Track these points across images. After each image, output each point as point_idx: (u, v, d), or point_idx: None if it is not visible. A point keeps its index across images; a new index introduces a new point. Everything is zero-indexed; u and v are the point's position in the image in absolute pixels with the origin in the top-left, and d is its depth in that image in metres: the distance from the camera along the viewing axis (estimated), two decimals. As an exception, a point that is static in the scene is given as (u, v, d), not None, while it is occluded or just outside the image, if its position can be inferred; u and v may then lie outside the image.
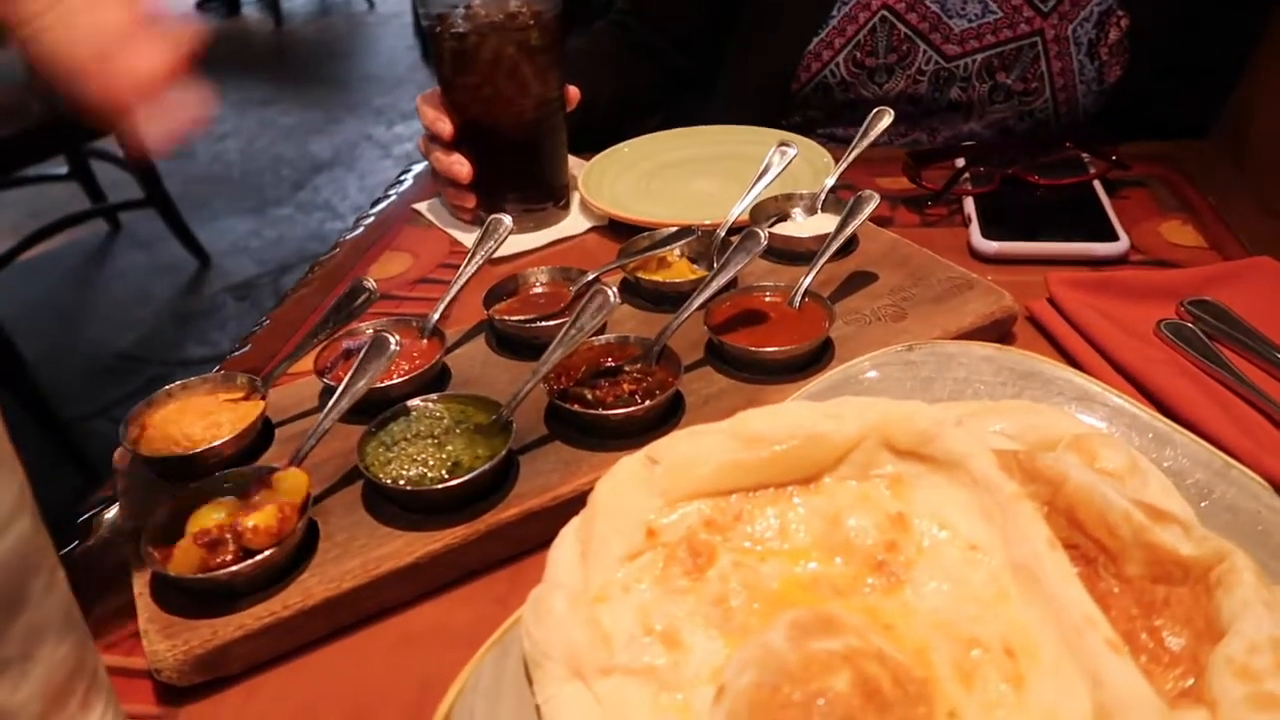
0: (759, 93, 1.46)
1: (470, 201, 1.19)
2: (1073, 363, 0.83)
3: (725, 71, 1.53)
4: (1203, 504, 0.64)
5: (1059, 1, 1.31)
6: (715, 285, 0.81)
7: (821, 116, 1.45)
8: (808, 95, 1.43)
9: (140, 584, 0.64)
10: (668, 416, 0.76)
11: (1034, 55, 1.34)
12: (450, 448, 0.71)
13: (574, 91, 1.19)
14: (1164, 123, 1.33)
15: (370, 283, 0.83)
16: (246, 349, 1.01)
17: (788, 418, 0.62)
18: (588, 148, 1.32)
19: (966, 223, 1.09)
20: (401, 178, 1.43)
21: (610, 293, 0.73)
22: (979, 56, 1.34)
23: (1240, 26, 1.36)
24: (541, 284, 0.94)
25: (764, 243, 0.81)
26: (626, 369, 0.77)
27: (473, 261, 0.89)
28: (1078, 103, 1.38)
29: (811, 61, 1.39)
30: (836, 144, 1.27)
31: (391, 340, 0.71)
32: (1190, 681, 0.50)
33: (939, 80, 1.37)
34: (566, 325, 0.73)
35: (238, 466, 0.71)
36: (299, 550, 0.65)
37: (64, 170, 4.02)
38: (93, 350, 3.43)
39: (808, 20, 1.38)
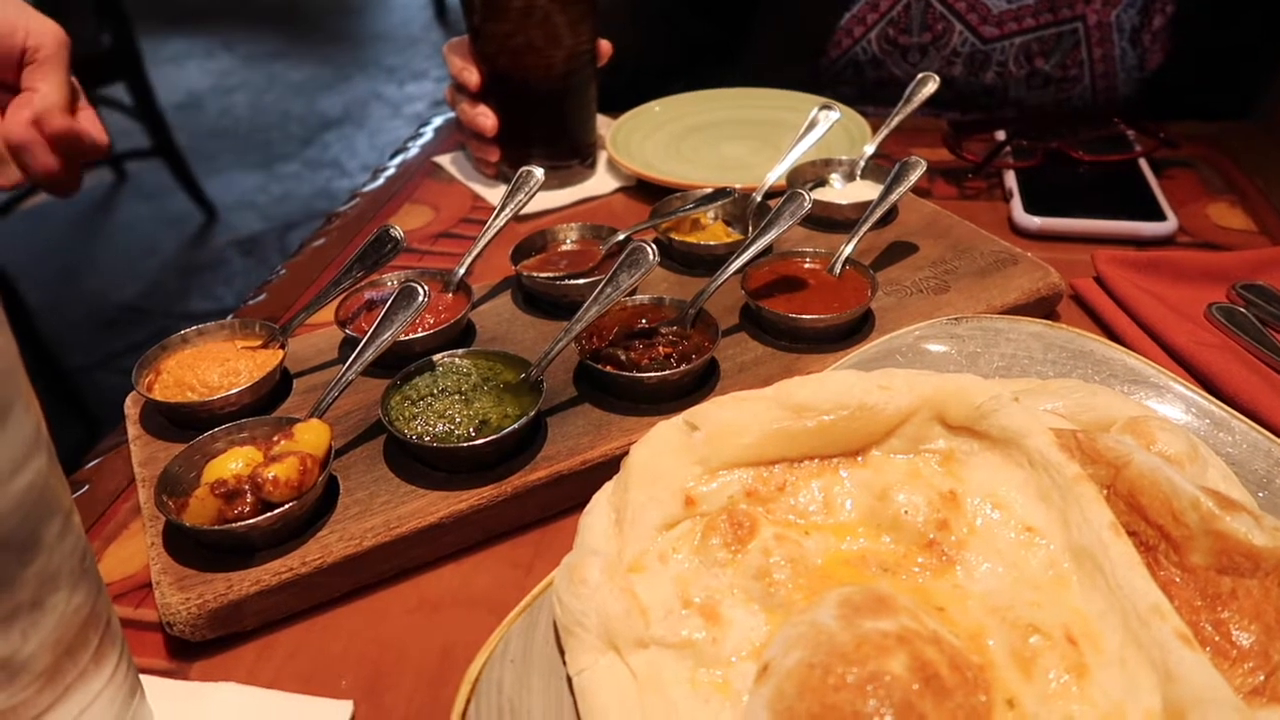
0: (785, 66, 1.41)
1: (494, 155, 1.15)
2: (1120, 343, 0.80)
3: (751, 42, 1.48)
4: (1261, 494, 0.61)
5: None
6: (755, 248, 0.77)
7: (852, 95, 1.40)
8: (838, 72, 1.39)
9: (153, 534, 0.61)
10: (702, 382, 0.74)
11: (1074, 41, 1.30)
12: (478, 405, 0.68)
13: (606, 46, 1.15)
14: (1201, 107, 1.29)
15: (397, 230, 0.79)
16: (262, 298, 0.98)
17: (836, 387, 0.59)
18: (613, 107, 1.28)
19: (1007, 197, 1.06)
20: (421, 130, 1.40)
21: (650, 250, 0.69)
22: (1017, 40, 1.30)
23: None
24: (571, 241, 0.91)
25: (808, 206, 0.78)
26: (662, 331, 0.74)
27: (501, 215, 0.86)
28: (1117, 90, 1.33)
29: (842, 37, 1.35)
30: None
31: (420, 290, 0.68)
32: (1260, 678, 0.47)
33: (974, 63, 1.33)
34: (602, 283, 0.70)
35: (254, 416, 0.68)
36: (318, 505, 0.63)
37: (71, 116, 3.96)
38: (96, 301, 3.39)
39: None
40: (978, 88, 1.35)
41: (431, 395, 0.69)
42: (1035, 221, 0.99)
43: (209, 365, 0.73)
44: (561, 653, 0.51)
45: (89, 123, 0.85)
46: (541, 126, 1.13)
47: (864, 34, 1.34)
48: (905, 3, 1.31)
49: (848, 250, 0.82)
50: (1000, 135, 1.15)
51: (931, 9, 1.30)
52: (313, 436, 0.63)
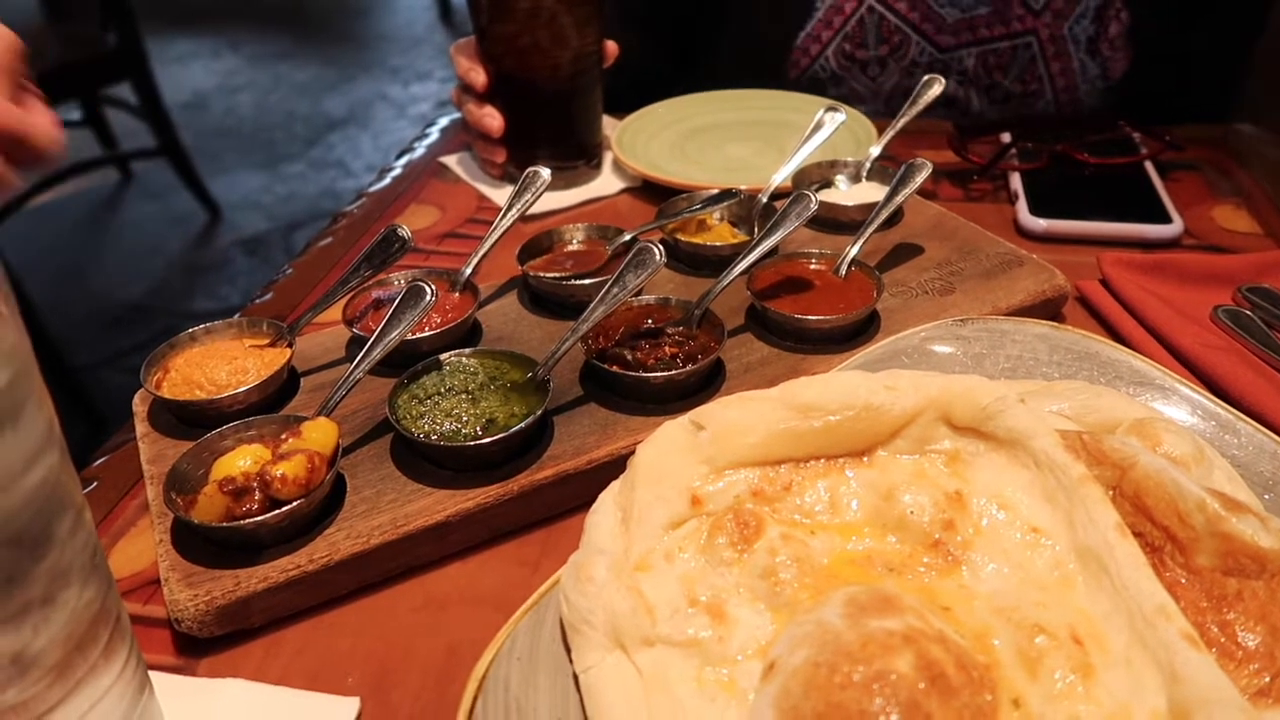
0: (753, 85, 1.41)
1: (500, 156, 1.15)
2: (1126, 345, 0.80)
3: (720, 62, 1.48)
4: (1266, 496, 0.61)
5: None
6: (761, 249, 0.78)
7: None
8: (803, 90, 1.39)
9: (161, 531, 0.62)
10: (707, 382, 0.74)
11: (1030, 56, 1.29)
12: (485, 404, 0.68)
13: (612, 47, 1.15)
14: (1175, 112, 1.27)
15: (405, 230, 0.80)
16: (269, 297, 0.98)
17: (842, 387, 0.59)
18: (619, 108, 1.28)
19: (1013, 199, 1.06)
20: (427, 131, 1.40)
21: (656, 250, 0.70)
22: (974, 50, 1.30)
23: (1244, 7, 1.30)
24: (577, 241, 0.91)
25: (814, 207, 0.78)
26: (668, 331, 0.74)
27: (508, 215, 0.86)
28: (1081, 102, 1.32)
29: (800, 57, 1.35)
30: None
31: (428, 290, 0.68)
32: (1266, 679, 0.47)
33: (934, 72, 1.32)
34: (608, 283, 0.70)
35: (261, 414, 0.68)
36: (326, 503, 0.63)
37: (77, 116, 3.98)
38: (100, 299, 3.40)
39: (791, 12, 1.33)
40: (940, 98, 1.35)
41: (439, 394, 0.69)
42: (1041, 224, 1.00)
43: (217, 363, 0.73)
44: (568, 650, 0.52)
45: (36, 117, 0.74)
46: (548, 127, 1.13)
47: (820, 51, 1.34)
48: (859, 17, 1.30)
49: (853, 251, 0.83)
50: (1006, 137, 1.15)
51: (885, 21, 1.30)
52: (320, 435, 0.63)
